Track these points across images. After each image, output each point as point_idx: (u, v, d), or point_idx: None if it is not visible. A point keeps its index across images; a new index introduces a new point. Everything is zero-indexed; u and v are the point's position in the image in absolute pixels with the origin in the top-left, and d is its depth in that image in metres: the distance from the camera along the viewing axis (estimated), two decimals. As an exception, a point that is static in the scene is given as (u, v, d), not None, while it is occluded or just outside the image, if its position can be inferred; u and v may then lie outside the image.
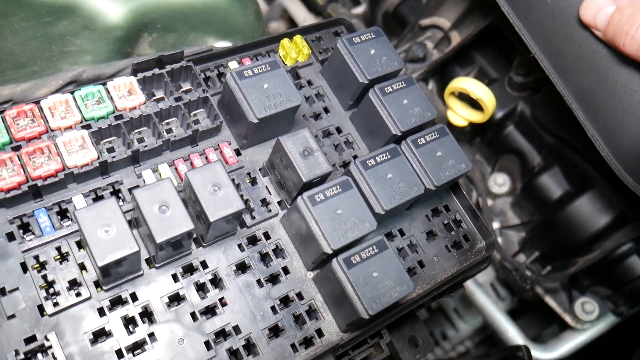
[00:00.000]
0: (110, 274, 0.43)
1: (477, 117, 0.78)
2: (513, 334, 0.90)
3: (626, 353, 0.94)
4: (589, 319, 0.88)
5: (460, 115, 0.79)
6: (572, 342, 0.92)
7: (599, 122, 0.63)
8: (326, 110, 0.58)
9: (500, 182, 0.95)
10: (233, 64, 0.57)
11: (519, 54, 0.87)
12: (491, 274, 1.05)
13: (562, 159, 0.85)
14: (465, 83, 0.72)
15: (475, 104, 0.78)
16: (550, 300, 0.92)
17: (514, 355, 0.75)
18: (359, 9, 1.12)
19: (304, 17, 1.15)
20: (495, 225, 0.96)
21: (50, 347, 0.41)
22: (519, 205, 0.93)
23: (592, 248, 0.80)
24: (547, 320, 1.12)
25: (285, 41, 0.58)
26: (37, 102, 0.46)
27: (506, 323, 0.91)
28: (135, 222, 0.45)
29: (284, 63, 0.59)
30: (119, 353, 0.43)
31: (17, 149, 0.45)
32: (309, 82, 0.59)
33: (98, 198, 0.47)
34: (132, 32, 0.65)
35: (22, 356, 0.40)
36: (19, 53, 0.60)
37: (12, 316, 0.42)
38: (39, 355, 0.42)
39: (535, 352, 0.92)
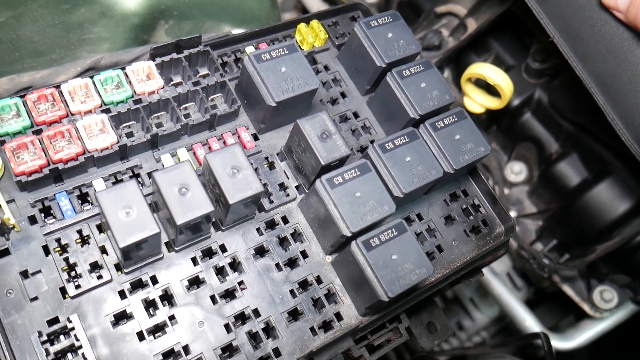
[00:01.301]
0: (130, 256, 0.43)
1: (494, 103, 0.77)
2: (530, 323, 0.89)
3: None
4: (608, 308, 0.87)
5: (476, 101, 0.78)
6: (590, 331, 0.91)
7: (619, 106, 0.62)
8: (343, 95, 0.58)
9: (516, 171, 0.94)
10: (250, 49, 0.57)
11: (536, 40, 0.86)
12: (507, 263, 1.04)
13: (580, 146, 0.84)
14: (483, 69, 0.72)
15: (491, 90, 0.77)
16: (568, 289, 0.91)
17: (532, 343, 0.75)
18: (373, -2, 1.11)
19: (317, 7, 1.15)
20: (512, 214, 0.95)
21: (72, 328, 0.42)
22: (536, 193, 0.92)
23: (611, 235, 0.79)
24: (563, 311, 1.11)
25: (302, 26, 0.58)
26: (58, 87, 0.47)
27: (523, 312, 0.90)
28: (155, 205, 0.46)
29: (300, 48, 0.58)
30: (140, 335, 0.43)
31: (38, 132, 0.45)
32: (326, 67, 0.59)
33: (118, 182, 0.47)
34: (149, 19, 0.65)
35: (45, 337, 0.41)
36: (38, 41, 0.60)
37: (35, 298, 0.42)
38: (62, 337, 0.42)
39: (553, 341, 0.91)
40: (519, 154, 0.94)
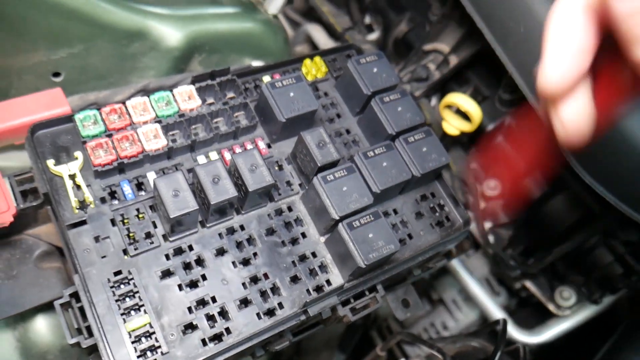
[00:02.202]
0: (174, 229, 0.58)
1: (466, 126, 0.92)
2: (499, 315, 1.03)
3: (602, 341, 1.06)
4: (567, 305, 1.00)
5: (452, 125, 0.93)
6: (555, 329, 1.04)
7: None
8: (338, 115, 0.74)
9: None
10: (266, 78, 0.73)
11: (505, 75, 1.01)
12: (486, 269, 1.18)
13: (542, 165, 0.98)
14: (455, 98, 0.87)
15: (465, 116, 0.93)
16: (535, 291, 1.04)
17: (495, 329, 0.88)
18: (373, 36, 1.28)
19: (324, 42, 1.31)
20: (488, 225, 1.10)
21: (132, 279, 0.57)
22: (508, 206, 1.06)
23: (565, 240, 0.93)
24: (539, 316, 1.24)
25: (307, 61, 0.74)
26: (124, 103, 0.63)
27: (494, 308, 1.04)
28: (194, 193, 0.61)
29: (305, 78, 0.74)
30: (179, 287, 0.58)
31: (109, 136, 0.61)
32: (325, 94, 0.75)
33: (165, 174, 0.63)
34: (186, 52, 0.81)
35: (112, 284, 0.56)
36: (101, 67, 0.77)
37: (104, 256, 0.57)
38: (122, 286, 0.57)
39: (522, 336, 1.04)
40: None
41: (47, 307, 0.69)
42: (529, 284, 1.05)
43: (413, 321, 1.29)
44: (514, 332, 1.04)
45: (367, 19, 1.29)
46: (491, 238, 1.09)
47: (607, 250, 0.93)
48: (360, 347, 1.26)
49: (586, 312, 1.04)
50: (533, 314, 1.23)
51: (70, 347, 0.69)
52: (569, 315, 1.03)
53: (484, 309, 1.08)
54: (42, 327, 0.69)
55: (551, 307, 1.03)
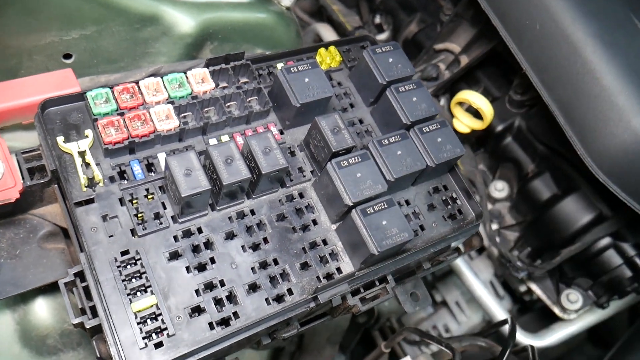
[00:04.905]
0: (184, 211, 0.57)
1: (477, 124, 0.91)
2: (501, 315, 1.01)
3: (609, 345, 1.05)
4: (574, 308, 0.99)
5: (463, 123, 0.93)
6: (560, 333, 1.03)
7: (576, 126, 0.76)
8: (352, 105, 0.73)
9: (499, 188, 1.08)
10: (280, 65, 0.72)
11: (517, 75, 1.01)
12: (490, 271, 1.17)
13: (551, 166, 0.98)
14: (467, 94, 0.86)
15: (477, 115, 0.92)
16: (540, 294, 1.03)
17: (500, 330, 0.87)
18: (383, 36, 1.28)
19: (333, 41, 1.31)
20: (495, 226, 1.09)
21: (139, 259, 0.55)
22: (515, 207, 1.05)
23: (575, 242, 0.92)
24: (543, 321, 1.22)
25: (322, 50, 0.74)
26: (137, 82, 0.62)
27: (499, 310, 1.02)
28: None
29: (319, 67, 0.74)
30: (187, 269, 0.57)
31: (121, 114, 0.60)
32: (339, 83, 0.74)
33: (176, 157, 0.62)
34: (199, 40, 0.81)
35: (119, 263, 0.55)
36: (112, 51, 0.76)
37: (112, 235, 0.56)
38: (129, 266, 0.56)
39: (526, 339, 1.03)
40: (501, 174, 1.08)
41: (48, 290, 0.68)
42: (534, 287, 1.03)
43: (415, 323, 1.28)
44: (519, 335, 1.03)
45: (377, 19, 1.29)
46: (497, 239, 1.08)
47: (617, 252, 0.92)
48: (361, 348, 1.24)
49: (592, 317, 1.03)
50: (535, 319, 1.22)
51: (70, 332, 0.68)
52: (575, 319, 1.02)
53: (488, 311, 1.07)
54: (42, 310, 0.68)
55: (557, 310, 1.02)
